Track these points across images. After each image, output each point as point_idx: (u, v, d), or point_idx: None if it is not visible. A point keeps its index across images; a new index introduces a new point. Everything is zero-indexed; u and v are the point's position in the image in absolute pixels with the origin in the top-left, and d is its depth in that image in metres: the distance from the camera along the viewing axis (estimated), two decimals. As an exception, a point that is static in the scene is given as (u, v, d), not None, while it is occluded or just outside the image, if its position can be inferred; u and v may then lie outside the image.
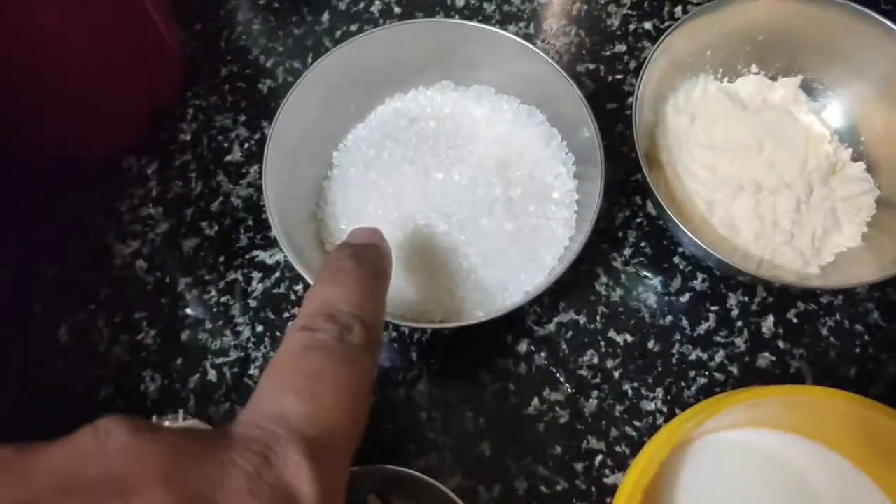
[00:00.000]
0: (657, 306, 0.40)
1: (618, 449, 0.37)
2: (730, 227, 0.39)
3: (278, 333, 0.40)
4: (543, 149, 0.40)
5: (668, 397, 0.38)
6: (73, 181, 0.44)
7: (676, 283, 0.41)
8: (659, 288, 0.41)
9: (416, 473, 0.32)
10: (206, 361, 0.40)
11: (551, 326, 0.40)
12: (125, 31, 0.40)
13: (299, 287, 0.41)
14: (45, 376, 0.39)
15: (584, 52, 0.48)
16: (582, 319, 0.40)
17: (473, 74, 0.42)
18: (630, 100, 0.44)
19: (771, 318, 0.40)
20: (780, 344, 0.39)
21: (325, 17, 0.49)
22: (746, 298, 0.40)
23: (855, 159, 0.41)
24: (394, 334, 0.40)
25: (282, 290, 0.41)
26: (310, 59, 0.48)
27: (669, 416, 0.38)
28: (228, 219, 0.43)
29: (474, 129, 0.41)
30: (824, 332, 0.40)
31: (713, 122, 0.41)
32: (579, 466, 0.37)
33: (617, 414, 0.38)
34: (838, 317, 0.40)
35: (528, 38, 0.48)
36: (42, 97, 0.39)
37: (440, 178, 0.38)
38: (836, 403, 0.32)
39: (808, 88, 0.42)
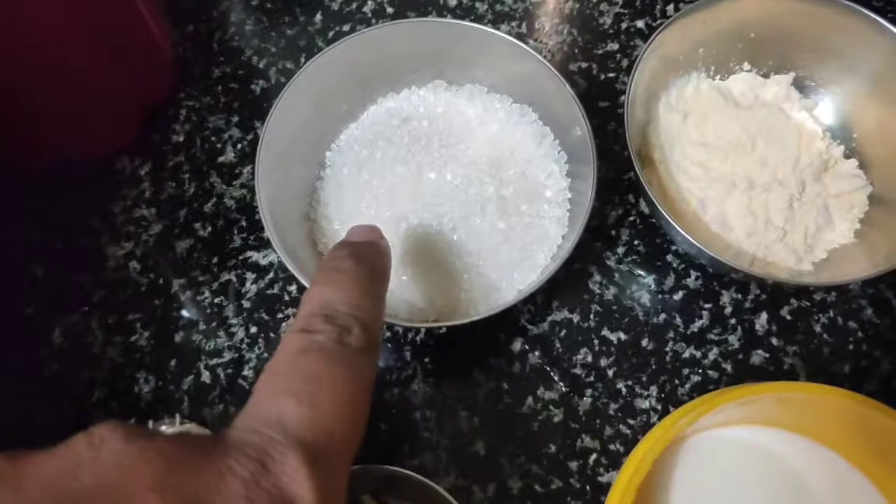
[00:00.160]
0: (650, 304, 0.40)
1: (612, 447, 0.37)
2: (722, 225, 0.39)
3: (272, 334, 0.40)
4: (536, 147, 0.40)
5: (662, 395, 0.38)
6: (66, 183, 0.44)
7: (670, 280, 0.41)
8: (652, 286, 0.41)
9: (411, 473, 0.32)
10: (199, 363, 0.40)
11: (545, 325, 0.40)
12: (117, 33, 0.40)
13: (293, 288, 0.41)
14: (39, 378, 0.39)
15: (576, 50, 0.48)
16: (575, 318, 0.40)
17: (466, 74, 0.42)
18: (622, 98, 0.44)
19: (764, 316, 0.40)
20: (774, 341, 0.40)
21: (318, 17, 0.49)
22: (740, 296, 0.41)
23: (847, 156, 0.41)
24: (387, 334, 0.40)
25: (275, 290, 0.41)
26: (302, 60, 0.48)
27: (663, 414, 0.38)
28: (222, 220, 0.43)
29: (467, 129, 0.41)
30: (818, 328, 0.40)
31: (705, 119, 0.41)
32: (573, 465, 0.37)
33: (611, 412, 0.38)
34: (832, 313, 0.40)
35: (520, 37, 0.48)
36: (34, 99, 0.38)
37: (433, 177, 0.38)
38: (830, 400, 0.32)
39: (800, 85, 0.42)
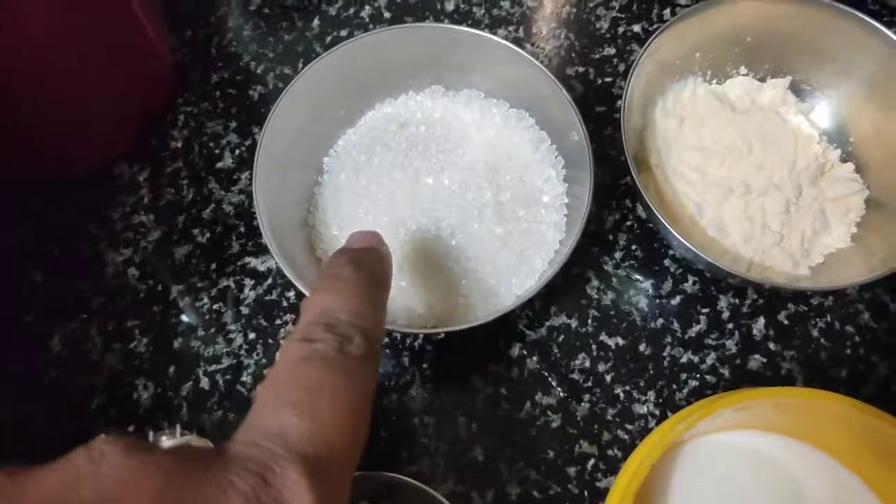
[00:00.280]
0: (648, 309, 0.40)
1: (610, 452, 0.37)
2: (719, 230, 0.39)
3: (270, 340, 0.40)
4: (533, 152, 0.40)
5: (660, 400, 0.38)
6: (64, 189, 0.44)
7: (667, 285, 0.41)
8: (650, 291, 0.41)
9: (409, 479, 0.32)
10: (198, 369, 0.40)
11: (543, 330, 0.40)
12: (115, 38, 0.40)
13: (291, 294, 0.41)
14: (38, 385, 0.39)
15: (573, 55, 0.48)
16: (573, 323, 0.40)
17: (463, 79, 0.42)
18: (619, 103, 0.44)
19: (761, 320, 0.40)
20: (771, 346, 0.40)
21: (316, 22, 0.49)
22: (737, 301, 0.41)
23: (844, 160, 0.41)
24: (385, 340, 0.40)
25: (274, 296, 0.41)
26: (300, 65, 0.48)
27: (661, 419, 0.38)
28: (220, 226, 0.43)
29: (464, 134, 0.41)
30: (815, 333, 0.40)
31: (702, 124, 0.41)
32: (571, 470, 0.37)
33: (609, 417, 0.38)
34: (829, 318, 0.40)
35: (517, 42, 0.48)
36: (32, 105, 0.39)
37: (430, 182, 0.39)
38: (828, 405, 0.32)
39: (796, 90, 0.43)
